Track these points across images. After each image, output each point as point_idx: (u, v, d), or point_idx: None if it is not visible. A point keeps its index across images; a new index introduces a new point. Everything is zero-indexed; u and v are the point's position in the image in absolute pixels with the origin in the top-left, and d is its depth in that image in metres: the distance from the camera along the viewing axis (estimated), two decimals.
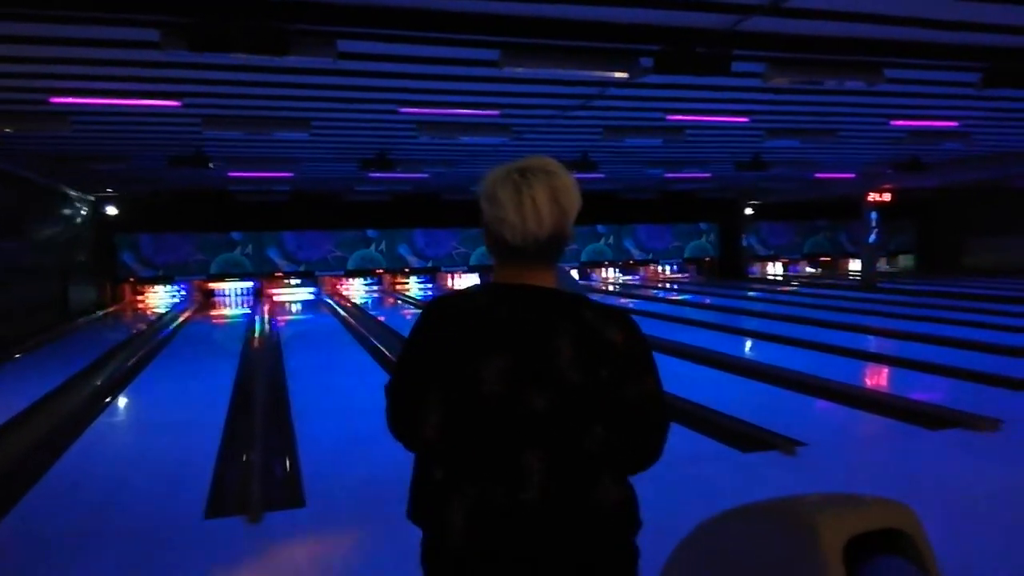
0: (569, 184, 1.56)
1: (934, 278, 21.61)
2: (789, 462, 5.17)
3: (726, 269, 24.84)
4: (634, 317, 1.61)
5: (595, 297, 1.71)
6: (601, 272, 24.69)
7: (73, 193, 16.68)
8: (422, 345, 1.56)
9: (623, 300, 17.96)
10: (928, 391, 7.31)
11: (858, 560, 1.58)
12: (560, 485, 1.45)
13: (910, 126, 11.31)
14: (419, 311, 1.68)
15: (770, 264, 26.11)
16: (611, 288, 22.01)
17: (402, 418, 1.60)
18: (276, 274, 21.81)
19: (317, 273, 22.02)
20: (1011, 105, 9.67)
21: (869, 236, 20.36)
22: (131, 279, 20.69)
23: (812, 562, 1.60)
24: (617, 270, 24.88)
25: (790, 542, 1.71)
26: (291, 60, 5.45)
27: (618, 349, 1.50)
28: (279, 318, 16.00)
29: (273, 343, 11.87)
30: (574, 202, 1.56)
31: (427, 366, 1.53)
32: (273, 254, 21.71)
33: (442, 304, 1.58)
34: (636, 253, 24.84)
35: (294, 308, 18.82)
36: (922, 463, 5.21)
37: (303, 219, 21.35)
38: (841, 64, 6.80)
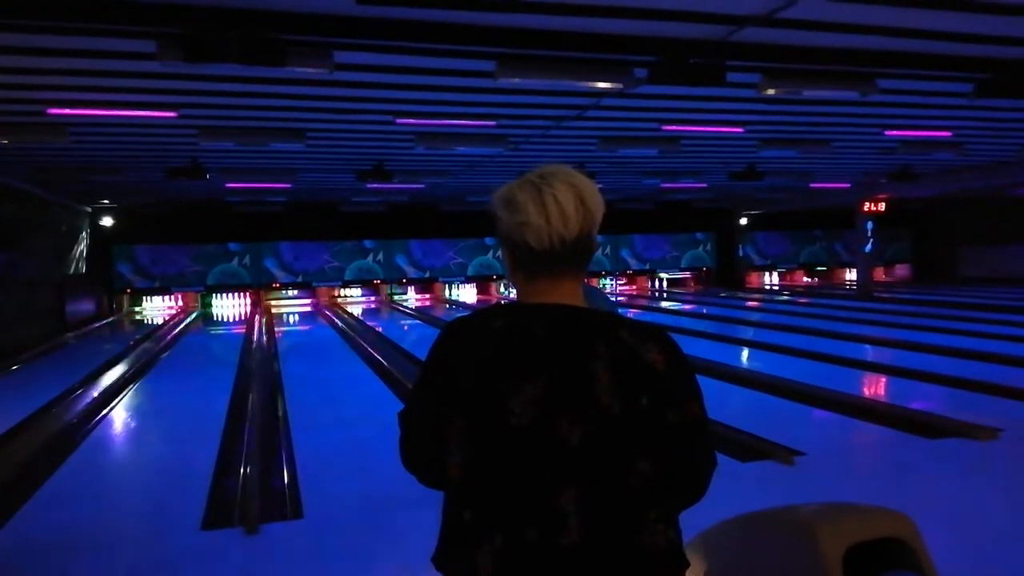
0: (591, 186, 1.45)
1: (930, 287, 21.65)
2: (787, 471, 5.16)
3: (723, 279, 24.88)
4: None
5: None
6: (598, 283, 24.68)
7: (70, 204, 16.66)
8: (442, 370, 1.41)
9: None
10: (926, 400, 7.30)
11: (857, 570, 1.58)
12: (602, 527, 1.31)
13: (903, 136, 11.36)
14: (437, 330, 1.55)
15: (766, 274, 26.17)
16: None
17: (419, 451, 1.45)
18: (273, 285, 21.80)
19: (314, 284, 22.02)
20: (1004, 115, 9.73)
21: (865, 246, 20.42)
22: (128, 290, 20.68)
23: (812, 571, 1.60)
24: (613, 280, 24.88)
25: (789, 551, 1.71)
26: (287, 71, 5.47)
27: (658, 372, 1.36)
28: (276, 329, 15.96)
29: (270, 354, 11.85)
30: (599, 203, 1.44)
31: (448, 394, 1.38)
32: (270, 264, 21.71)
33: (462, 325, 1.44)
34: (633, 263, 24.85)
35: (291, 319, 18.79)
36: (920, 472, 5.20)
37: (300, 230, 21.37)
38: (835, 75, 6.84)
